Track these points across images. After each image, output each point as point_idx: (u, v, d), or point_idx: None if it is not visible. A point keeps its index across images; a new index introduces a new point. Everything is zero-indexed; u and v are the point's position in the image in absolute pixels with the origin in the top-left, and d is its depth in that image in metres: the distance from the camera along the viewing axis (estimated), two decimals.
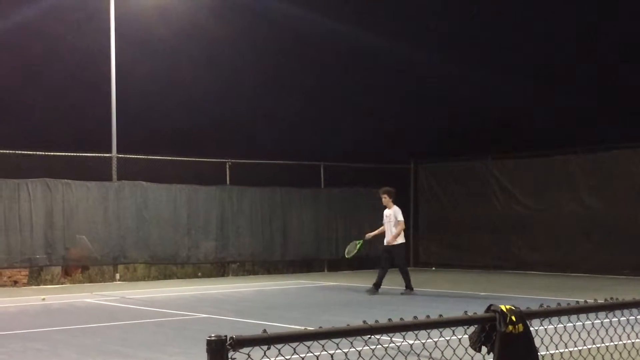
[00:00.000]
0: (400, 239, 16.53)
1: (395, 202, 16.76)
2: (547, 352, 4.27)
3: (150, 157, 21.42)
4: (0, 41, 27.55)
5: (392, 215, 16.43)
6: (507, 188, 22.95)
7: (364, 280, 20.14)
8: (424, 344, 3.73)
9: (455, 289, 17.42)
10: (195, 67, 31.35)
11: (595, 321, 4.72)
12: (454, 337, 3.81)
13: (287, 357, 3.21)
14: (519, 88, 31.19)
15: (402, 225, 16.50)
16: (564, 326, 4.38)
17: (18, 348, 10.06)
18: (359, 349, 3.76)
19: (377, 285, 16.34)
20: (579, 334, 4.57)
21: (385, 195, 16.68)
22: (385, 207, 16.76)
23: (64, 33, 28.42)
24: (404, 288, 16.40)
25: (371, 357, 3.61)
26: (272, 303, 15.50)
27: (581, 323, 4.63)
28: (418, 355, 3.93)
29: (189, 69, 31.30)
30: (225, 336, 2.88)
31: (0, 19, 26.43)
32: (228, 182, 22.42)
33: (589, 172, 21.18)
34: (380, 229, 16.72)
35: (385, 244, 16.51)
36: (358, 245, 17.19)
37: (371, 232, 17.02)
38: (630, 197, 20.25)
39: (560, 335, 4.40)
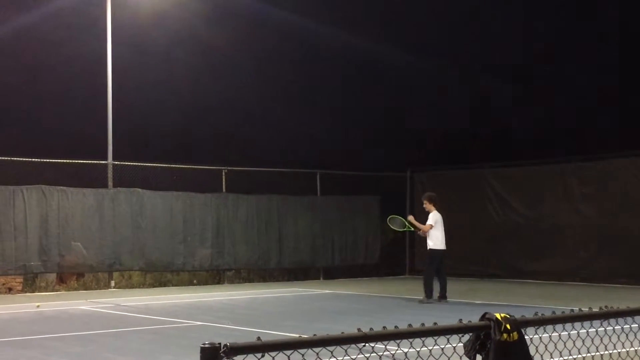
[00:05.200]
0: (431, 244, 16.28)
1: (437, 209, 16.59)
2: None
3: (146, 164, 21.39)
4: None
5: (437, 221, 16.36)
6: (503, 196, 22.95)
7: (359, 288, 20.13)
8: (418, 352, 3.72)
9: (451, 297, 17.37)
10: (192, 74, 31.39)
11: (590, 330, 4.72)
12: (448, 345, 3.80)
13: None
14: (516, 97, 31.26)
15: (426, 228, 16.41)
16: (559, 335, 4.38)
17: (11, 356, 10.02)
18: (353, 357, 3.75)
19: (442, 296, 16.11)
20: (574, 342, 4.57)
21: (425, 201, 16.70)
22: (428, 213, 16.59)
23: (60, 40, 28.43)
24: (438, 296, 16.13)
25: None
26: (267, 311, 15.47)
27: (576, 331, 4.62)
28: None
29: (185, 76, 31.35)
30: (219, 344, 2.88)
31: None
32: (224, 189, 22.39)
33: (585, 181, 21.20)
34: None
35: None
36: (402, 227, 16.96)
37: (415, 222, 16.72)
38: (625, 206, 20.27)
39: (555, 344, 4.40)
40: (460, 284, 21.27)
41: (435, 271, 16.33)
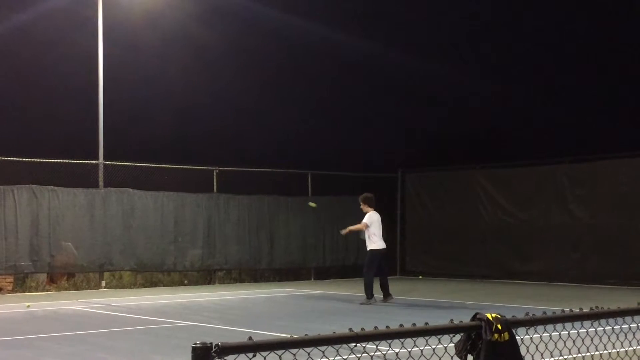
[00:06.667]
0: (371, 245, 16.36)
1: (376, 209, 16.69)
2: None
3: (137, 164, 21.36)
4: None
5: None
6: (494, 197, 23.00)
7: (350, 288, 20.13)
8: (410, 352, 3.73)
9: (442, 298, 17.43)
10: (184, 74, 31.34)
11: (581, 330, 4.74)
12: (440, 346, 3.81)
13: None
14: (509, 97, 31.30)
15: (361, 226, 16.59)
16: (550, 335, 4.39)
17: (2, 355, 9.99)
18: (345, 357, 3.76)
19: (386, 294, 16.25)
20: (565, 342, 4.58)
21: (361, 202, 16.74)
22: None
23: (52, 40, 28.36)
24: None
25: None
26: (259, 311, 15.47)
27: (567, 332, 4.64)
28: None
29: (177, 76, 31.29)
30: (211, 343, 2.87)
31: None
32: (215, 189, 22.37)
33: (576, 182, 21.26)
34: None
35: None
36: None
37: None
38: (616, 207, 20.32)
39: (546, 344, 4.41)
40: (451, 285, 21.31)
41: (376, 271, 16.36)
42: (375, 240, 16.33)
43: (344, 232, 17.36)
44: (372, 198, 16.95)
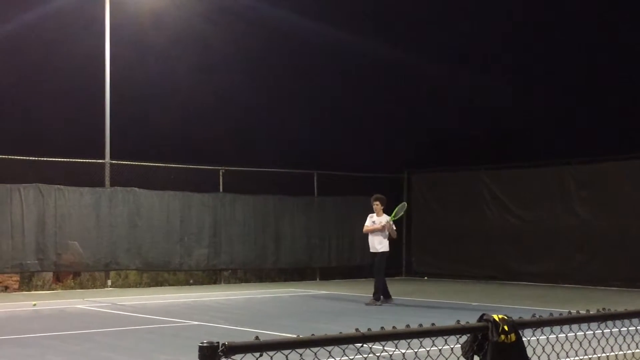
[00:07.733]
0: (384, 247, 16.28)
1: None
2: None
3: (144, 163, 21.38)
4: None
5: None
6: (500, 198, 22.97)
7: (356, 289, 20.13)
8: (416, 353, 3.72)
9: (448, 299, 17.41)
10: (190, 74, 31.38)
11: (588, 332, 4.73)
12: (446, 347, 3.81)
13: None
14: (514, 98, 31.28)
15: (386, 225, 16.28)
16: (556, 336, 4.39)
17: (8, 354, 10.01)
18: (351, 357, 3.76)
19: (377, 298, 16.12)
20: (571, 344, 4.58)
21: (379, 202, 16.47)
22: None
23: (59, 39, 28.41)
24: (372, 297, 16.13)
25: None
26: (264, 311, 15.47)
27: (573, 333, 4.63)
28: None
29: (183, 75, 31.33)
30: (218, 343, 2.87)
31: None
32: (221, 189, 22.39)
33: (582, 184, 21.22)
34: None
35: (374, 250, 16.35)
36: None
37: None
38: (622, 208, 20.28)
39: (553, 346, 4.41)
40: (456, 286, 21.29)
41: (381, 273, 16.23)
42: (385, 243, 16.25)
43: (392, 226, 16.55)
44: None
